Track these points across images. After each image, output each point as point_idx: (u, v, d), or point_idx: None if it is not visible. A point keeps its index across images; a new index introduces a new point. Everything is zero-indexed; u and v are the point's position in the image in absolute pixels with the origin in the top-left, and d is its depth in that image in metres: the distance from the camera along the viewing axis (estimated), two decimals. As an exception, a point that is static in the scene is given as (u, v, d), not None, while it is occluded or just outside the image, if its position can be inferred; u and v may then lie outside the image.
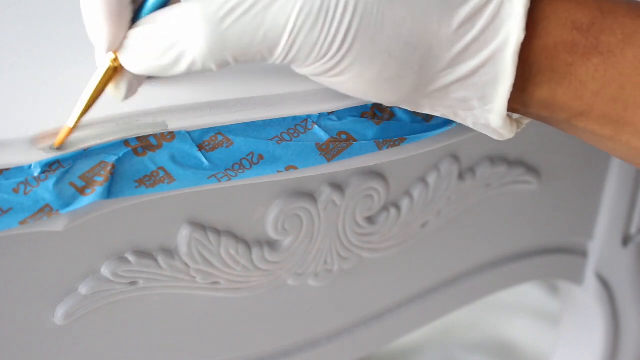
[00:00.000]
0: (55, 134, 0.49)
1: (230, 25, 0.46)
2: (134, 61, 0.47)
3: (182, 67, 0.47)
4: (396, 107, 0.51)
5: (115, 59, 0.48)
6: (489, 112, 0.49)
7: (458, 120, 0.51)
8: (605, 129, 0.50)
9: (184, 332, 0.60)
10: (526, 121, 0.52)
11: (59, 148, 0.48)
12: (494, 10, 0.47)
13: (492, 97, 0.49)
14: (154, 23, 0.47)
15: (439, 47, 0.47)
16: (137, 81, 0.49)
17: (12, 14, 0.57)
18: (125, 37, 0.48)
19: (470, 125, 0.51)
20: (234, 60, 0.47)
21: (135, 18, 0.48)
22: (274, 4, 0.46)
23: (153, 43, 0.47)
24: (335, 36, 0.46)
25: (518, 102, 0.50)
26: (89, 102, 0.48)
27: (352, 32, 0.46)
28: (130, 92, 0.49)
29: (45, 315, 0.54)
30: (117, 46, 0.48)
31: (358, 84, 0.48)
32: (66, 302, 0.54)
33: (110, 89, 0.49)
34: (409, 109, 0.51)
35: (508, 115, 0.50)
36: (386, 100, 0.49)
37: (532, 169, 0.69)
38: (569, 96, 0.49)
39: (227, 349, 0.63)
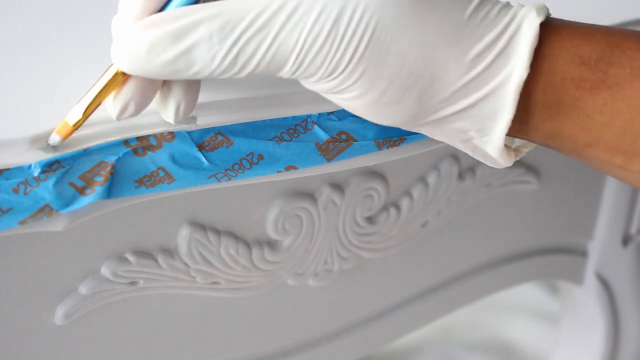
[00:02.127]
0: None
1: (244, 44, 0.46)
2: (139, 62, 0.46)
3: (189, 74, 0.47)
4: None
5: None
6: (487, 144, 0.49)
7: (457, 147, 0.50)
8: (615, 159, 0.49)
9: (184, 332, 0.60)
10: (527, 149, 0.52)
11: (62, 140, 0.48)
12: (502, 47, 0.47)
13: (490, 129, 0.48)
14: (170, 24, 0.46)
15: (443, 80, 0.47)
16: (136, 100, 0.48)
17: (12, 14, 0.57)
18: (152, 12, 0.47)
19: (469, 153, 0.50)
20: (245, 74, 0.47)
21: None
22: (285, 25, 0.46)
23: (167, 47, 0.46)
24: (340, 59, 0.46)
25: (521, 132, 0.49)
26: (92, 101, 0.48)
27: (357, 55, 0.46)
28: (124, 110, 0.48)
29: (45, 315, 0.54)
30: (144, 16, 0.47)
31: (357, 105, 0.48)
32: (66, 302, 0.54)
33: (109, 100, 0.48)
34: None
35: (506, 146, 0.50)
36: (383, 123, 0.49)
37: (532, 169, 0.69)
38: (577, 129, 0.48)
39: (227, 349, 0.63)
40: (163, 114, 0.49)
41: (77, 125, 0.48)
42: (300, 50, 0.46)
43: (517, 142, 0.52)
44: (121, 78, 0.48)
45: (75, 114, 0.48)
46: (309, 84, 0.48)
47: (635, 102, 0.47)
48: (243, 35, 0.46)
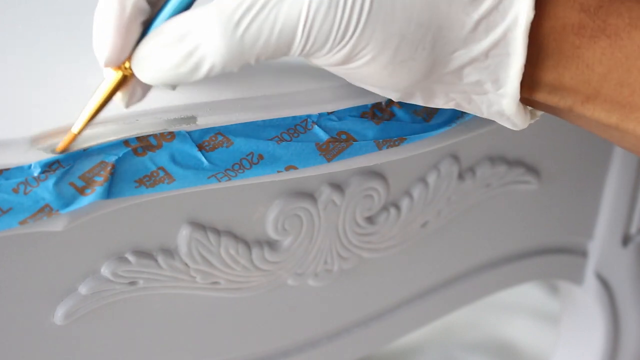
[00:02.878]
0: (56, 133, 0.49)
1: (247, 27, 0.46)
2: (150, 72, 0.47)
3: (201, 73, 0.47)
4: (410, 101, 0.51)
5: (127, 68, 0.48)
6: (502, 97, 0.49)
7: (472, 111, 0.51)
8: (611, 116, 0.49)
9: (184, 332, 0.60)
10: (540, 112, 0.52)
11: (61, 152, 0.49)
12: None
13: (504, 79, 0.49)
14: (168, 33, 0.47)
15: (450, 28, 0.48)
16: (143, 88, 0.49)
17: (12, 13, 0.57)
18: (134, 51, 0.48)
19: (485, 114, 0.51)
20: (255, 60, 0.47)
21: (145, 32, 0.48)
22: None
23: (170, 52, 0.47)
24: (348, 23, 0.47)
25: (527, 87, 0.50)
26: (95, 109, 0.48)
27: (364, 16, 0.46)
28: (135, 99, 0.49)
29: (45, 315, 0.54)
30: (118, 63, 0.47)
31: (373, 69, 0.48)
32: (66, 302, 0.54)
33: (117, 96, 0.49)
34: (421, 103, 0.51)
35: (522, 103, 0.50)
36: (401, 86, 0.49)
37: (532, 169, 0.69)
38: (576, 80, 0.49)
39: (227, 349, 0.63)
40: (118, 100, 0.49)
41: (79, 133, 0.48)
42: (306, 20, 0.46)
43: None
44: (122, 81, 0.48)
45: (77, 124, 0.48)
46: (321, 59, 0.48)
47: (632, 53, 0.48)
48: (243, 19, 0.46)
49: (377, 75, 0.48)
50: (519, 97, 0.49)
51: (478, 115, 0.51)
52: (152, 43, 0.47)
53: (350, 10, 0.46)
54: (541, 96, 0.50)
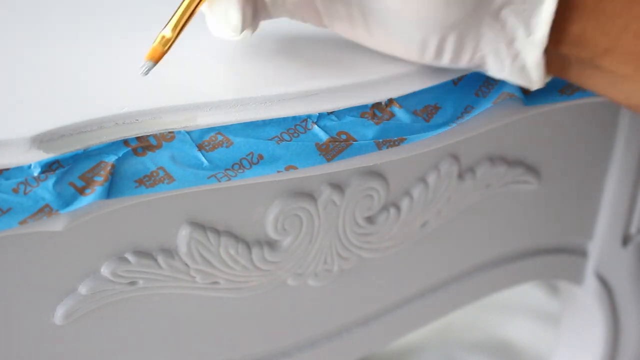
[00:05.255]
0: (56, 133, 0.49)
1: None
2: None
3: None
4: (437, 58, 0.53)
5: None
6: (531, 44, 0.53)
7: (494, 69, 0.54)
8: (627, 67, 0.53)
9: (184, 332, 0.60)
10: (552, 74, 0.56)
11: (155, 60, 0.47)
12: None
13: (535, 26, 0.53)
14: None
15: None
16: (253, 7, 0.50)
17: (13, 13, 0.57)
18: None
19: (507, 72, 0.55)
20: None
21: None
22: None
23: None
24: None
25: (554, 39, 0.53)
26: (182, 17, 0.47)
27: None
28: (247, 22, 0.50)
29: (45, 315, 0.54)
30: None
31: None
32: (66, 302, 0.54)
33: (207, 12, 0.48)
34: (447, 61, 0.54)
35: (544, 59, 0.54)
36: (450, 21, 0.52)
37: (532, 169, 0.69)
38: (598, 31, 0.53)
39: (227, 349, 0.63)
40: (226, 25, 0.50)
41: (169, 45, 0.47)
42: None
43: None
44: None
45: (166, 33, 0.48)
46: None
47: None
48: None
49: (434, 2, 0.51)
50: (545, 44, 0.53)
51: (497, 75, 0.55)
52: None
53: None
54: (565, 47, 0.53)
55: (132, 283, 0.56)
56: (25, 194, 0.47)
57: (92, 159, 0.49)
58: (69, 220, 0.49)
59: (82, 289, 0.54)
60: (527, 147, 0.68)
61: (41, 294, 0.54)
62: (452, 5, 0.51)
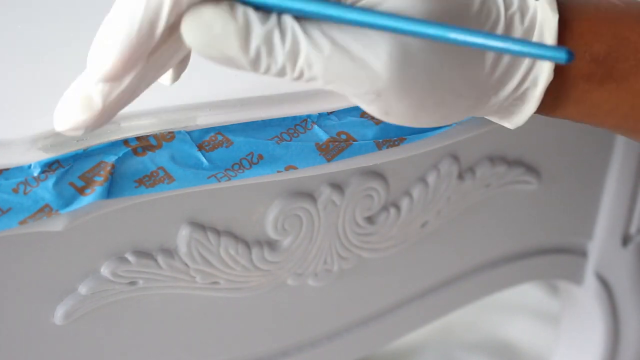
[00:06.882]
0: (56, 134, 0.49)
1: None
2: (213, 41, 0.43)
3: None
4: None
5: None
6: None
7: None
8: (619, 131, 0.54)
9: (184, 332, 0.60)
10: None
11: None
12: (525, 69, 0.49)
13: (519, 112, 0.51)
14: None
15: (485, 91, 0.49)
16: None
17: (13, 13, 0.57)
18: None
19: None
20: None
21: None
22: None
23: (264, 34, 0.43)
24: None
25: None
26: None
27: None
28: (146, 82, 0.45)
29: (45, 315, 0.54)
30: (115, 79, 0.43)
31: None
32: (66, 302, 0.54)
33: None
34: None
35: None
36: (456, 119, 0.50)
37: (532, 169, 0.69)
38: (583, 115, 0.52)
39: (227, 349, 0.63)
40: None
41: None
42: None
43: None
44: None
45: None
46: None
47: (638, 91, 0.51)
48: None
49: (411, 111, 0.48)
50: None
51: None
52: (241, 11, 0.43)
53: None
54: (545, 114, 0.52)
55: (132, 283, 0.56)
56: (25, 194, 0.47)
57: (92, 159, 0.49)
58: (69, 220, 0.49)
59: (82, 289, 0.54)
60: (527, 147, 0.68)
61: (41, 294, 0.54)
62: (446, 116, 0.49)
